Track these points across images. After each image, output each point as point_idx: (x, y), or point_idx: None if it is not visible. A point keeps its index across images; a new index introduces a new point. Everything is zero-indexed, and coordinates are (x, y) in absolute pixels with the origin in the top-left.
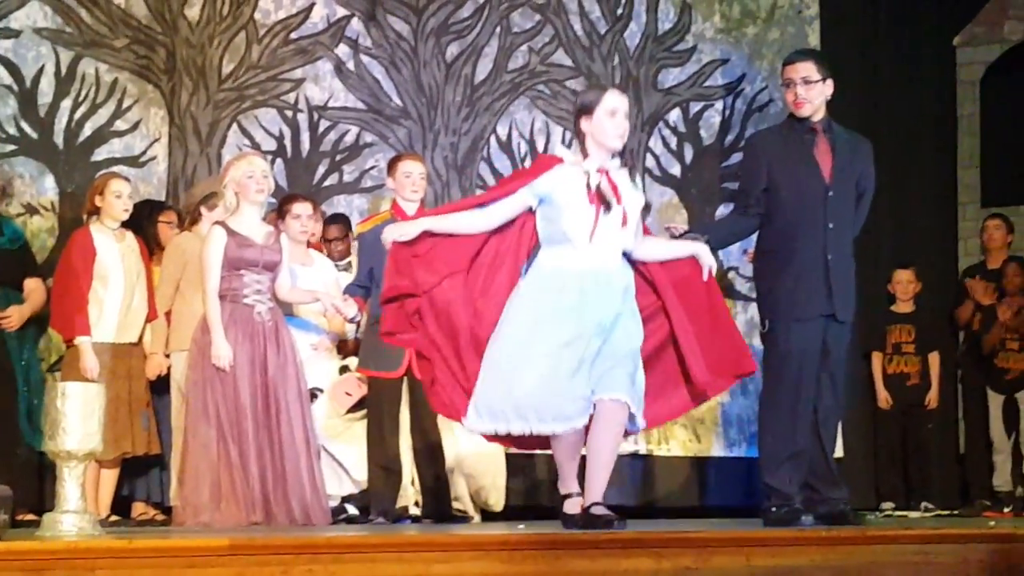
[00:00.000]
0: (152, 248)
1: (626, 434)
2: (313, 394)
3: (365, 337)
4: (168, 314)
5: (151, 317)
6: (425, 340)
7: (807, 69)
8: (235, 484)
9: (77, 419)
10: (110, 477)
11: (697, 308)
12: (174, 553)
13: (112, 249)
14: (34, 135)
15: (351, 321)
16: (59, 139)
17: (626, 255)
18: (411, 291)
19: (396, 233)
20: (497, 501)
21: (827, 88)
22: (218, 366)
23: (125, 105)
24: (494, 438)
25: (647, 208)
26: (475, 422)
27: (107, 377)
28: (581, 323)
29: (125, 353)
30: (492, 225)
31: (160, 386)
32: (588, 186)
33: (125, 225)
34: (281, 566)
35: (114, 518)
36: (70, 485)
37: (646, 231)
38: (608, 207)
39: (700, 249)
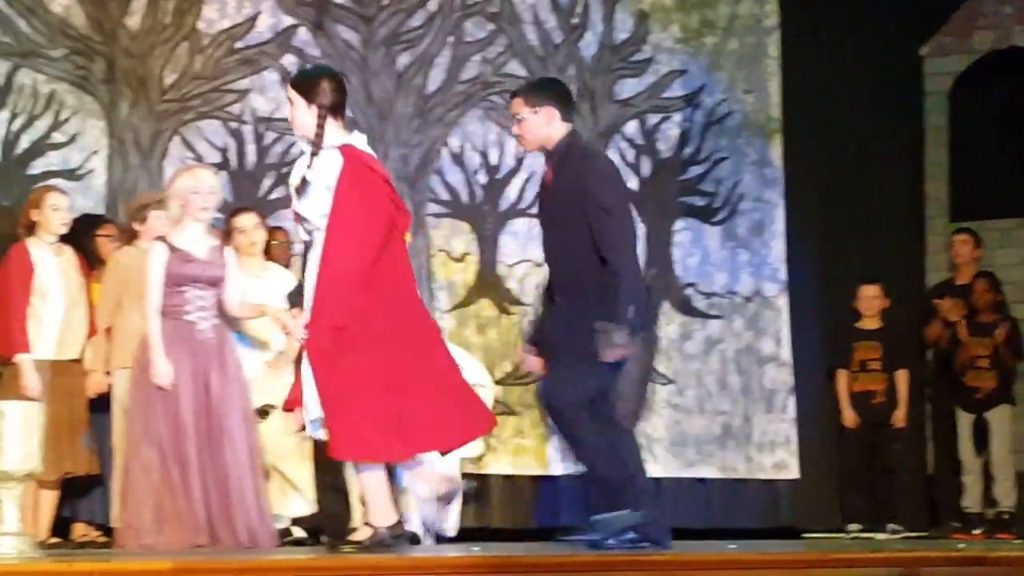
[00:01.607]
0: (92, 263)
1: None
2: (265, 411)
3: None
4: (109, 331)
5: (91, 333)
6: None
7: (517, 106)
8: (178, 506)
9: (16, 439)
10: (50, 498)
11: None
12: None
13: (50, 264)
14: None
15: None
16: None
17: None
18: None
19: None
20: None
21: (542, 117)
22: (159, 385)
23: (63, 117)
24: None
25: None
26: None
27: (47, 395)
28: None
29: (65, 370)
30: None
31: (100, 404)
32: None
33: (64, 240)
34: None
35: (54, 540)
36: (8, 507)
37: None
38: None
39: None
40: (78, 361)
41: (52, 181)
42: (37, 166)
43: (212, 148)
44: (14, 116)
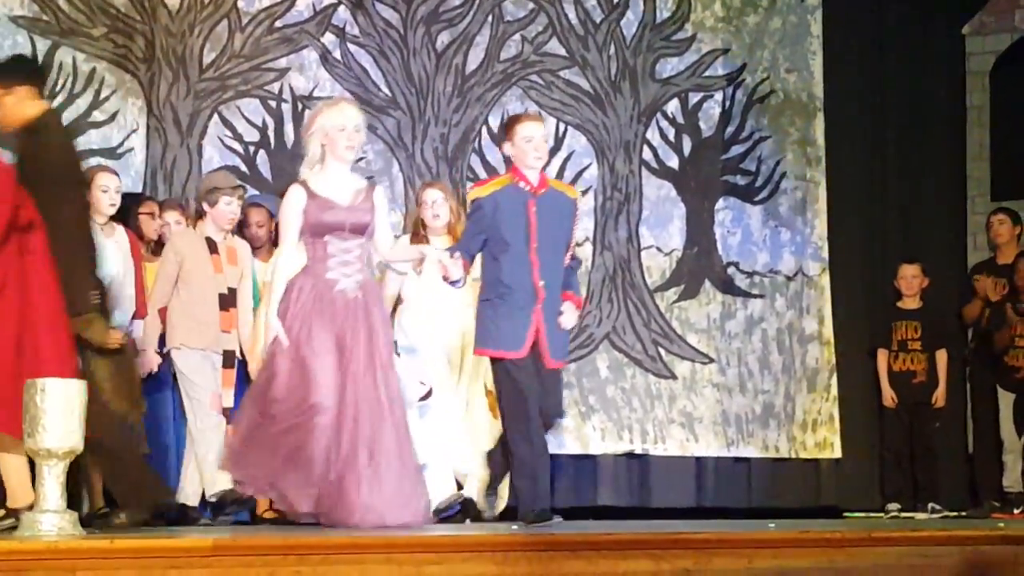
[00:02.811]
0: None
1: None
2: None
3: (479, 312)
4: (163, 311)
5: (140, 314)
6: None
7: None
8: (298, 481)
9: (57, 416)
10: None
11: None
12: (156, 554)
13: (100, 245)
14: None
15: (453, 284)
16: None
17: None
18: None
19: None
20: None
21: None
22: (271, 340)
23: (103, 95)
24: None
25: None
26: None
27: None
28: None
29: (112, 351)
30: None
31: (152, 385)
32: None
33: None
34: (267, 567)
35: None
36: (50, 484)
37: None
38: None
39: None
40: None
41: (92, 160)
42: (78, 144)
43: (251, 127)
44: (54, 94)
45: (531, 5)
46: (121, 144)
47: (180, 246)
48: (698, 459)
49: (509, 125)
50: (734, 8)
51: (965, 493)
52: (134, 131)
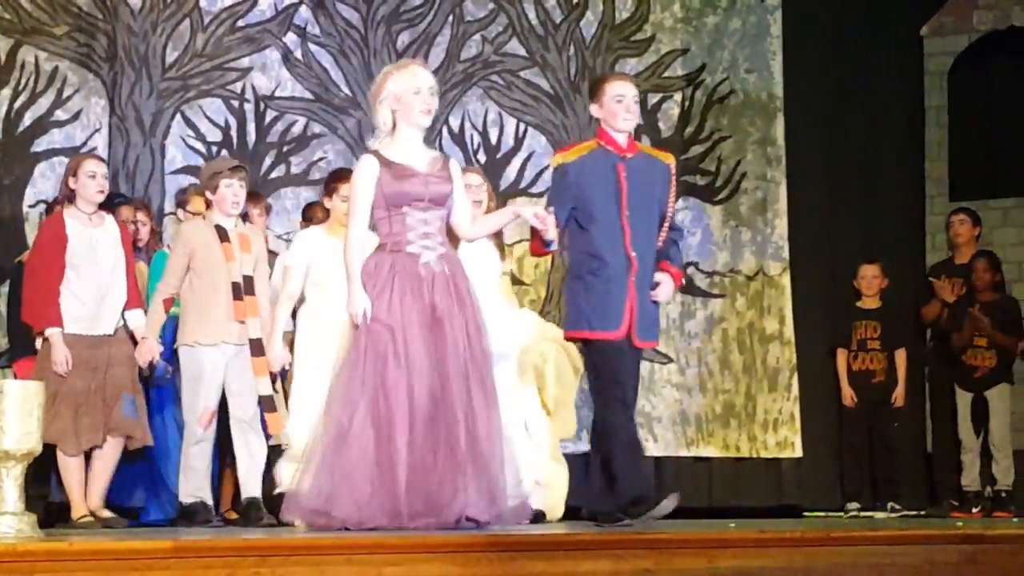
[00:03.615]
0: None
1: None
2: None
3: (569, 292)
4: (168, 301)
5: (132, 304)
6: None
7: None
8: (384, 483)
9: (15, 418)
10: (99, 466)
11: None
12: (115, 555)
13: (85, 235)
14: None
15: (546, 246)
16: None
17: None
18: None
19: None
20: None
21: None
22: (356, 321)
23: (65, 94)
24: None
25: None
26: None
27: (81, 369)
28: None
29: (102, 344)
30: None
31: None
32: None
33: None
34: (227, 568)
35: (108, 514)
36: (8, 486)
37: None
38: None
39: None
40: (114, 335)
41: (55, 159)
42: (41, 143)
43: (213, 127)
44: (17, 93)
45: (491, 5)
46: (84, 144)
47: (189, 236)
48: (657, 459)
49: (597, 84)
50: (693, 9)
51: (924, 492)
52: (97, 130)
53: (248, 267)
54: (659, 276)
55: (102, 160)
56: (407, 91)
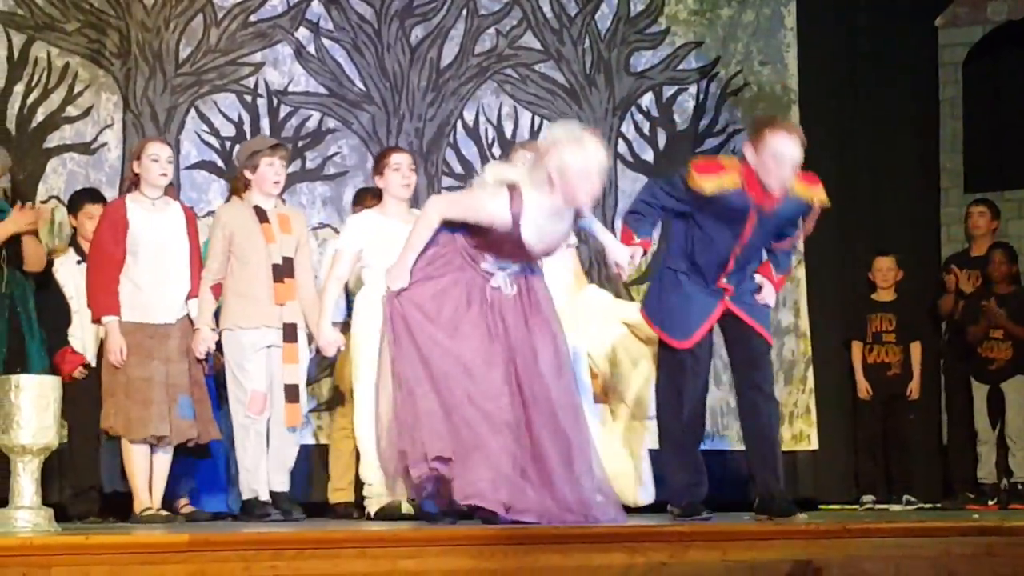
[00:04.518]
0: None
1: None
2: None
3: (662, 279)
4: (216, 288)
5: (193, 294)
6: None
7: None
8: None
9: (31, 412)
10: (162, 463)
11: None
12: (131, 549)
13: (147, 221)
14: None
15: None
16: (11, 125)
17: None
18: None
19: None
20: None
21: None
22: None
23: (76, 90)
24: None
25: None
26: None
27: (141, 359)
28: None
29: (163, 334)
30: None
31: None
32: None
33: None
34: (243, 563)
35: (163, 512)
36: (25, 480)
37: None
38: None
39: None
40: (176, 324)
41: (67, 155)
42: (52, 139)
43: (227, 122)
44: (30, 89)
45: None
46: (95, 139)
47: (227, 219)
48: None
49: (759, 129)
50: (707, 1)
51: (939, 485)
52: (108, 126)
53: (289, 249)
54: (759, 279)
55: (166, 143)
56: (577, 172)
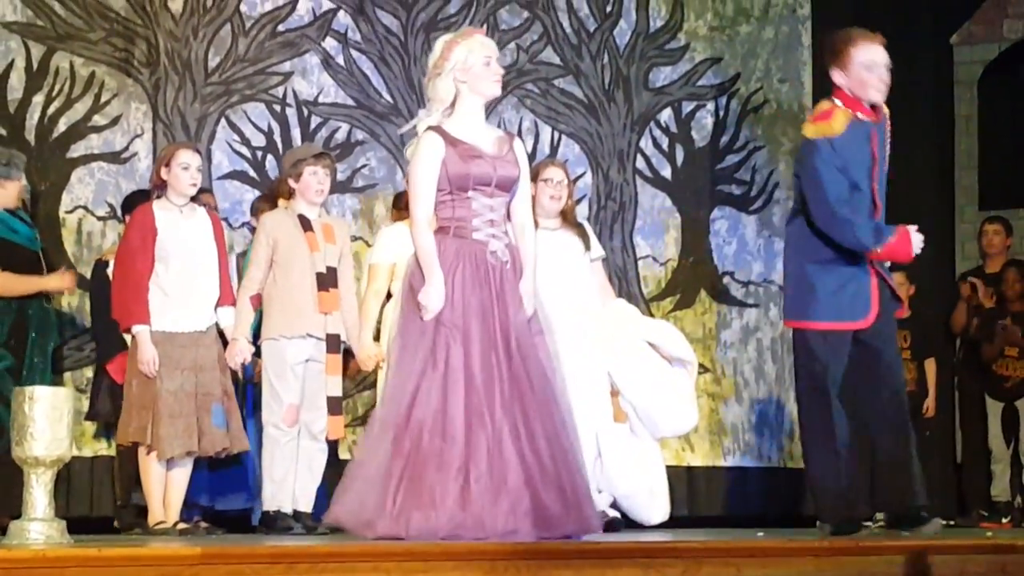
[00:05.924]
0: None
1: None
2: None
3: (796, 278)
4: (256, 298)
5: (224, 302)
6: None
7: None
8: (448, 490)
9: (45, 424)
10: (176, 477)
11: None
12: (144, 562)
13: (176, 228)
14: (2, 131)
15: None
16: (31, 135)
17: None
18: None
19: None
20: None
21: None
22: (424, 314)
23: (103, 99)
24: None
25: None
26: None
27: (170, 368)
28: None
29: (193, 343)
30: None
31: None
32: None
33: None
34: None
35: (183, 525)
36: (38, 492)
37: None
38: None
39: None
40: (206, 332)
41: (93, 164)
42: (77, 149)
43: (257, 131)
44: (51, 99)
45: (526, 14)
46: (126, 148)
47: (271, 227)
48: (689, 468)
49: (838, 50)
50: (727, 17)
51: (953, 502)
52: (138, 135)
53: (332, 258)
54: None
55: (196, 151)
56: (478, 61)
